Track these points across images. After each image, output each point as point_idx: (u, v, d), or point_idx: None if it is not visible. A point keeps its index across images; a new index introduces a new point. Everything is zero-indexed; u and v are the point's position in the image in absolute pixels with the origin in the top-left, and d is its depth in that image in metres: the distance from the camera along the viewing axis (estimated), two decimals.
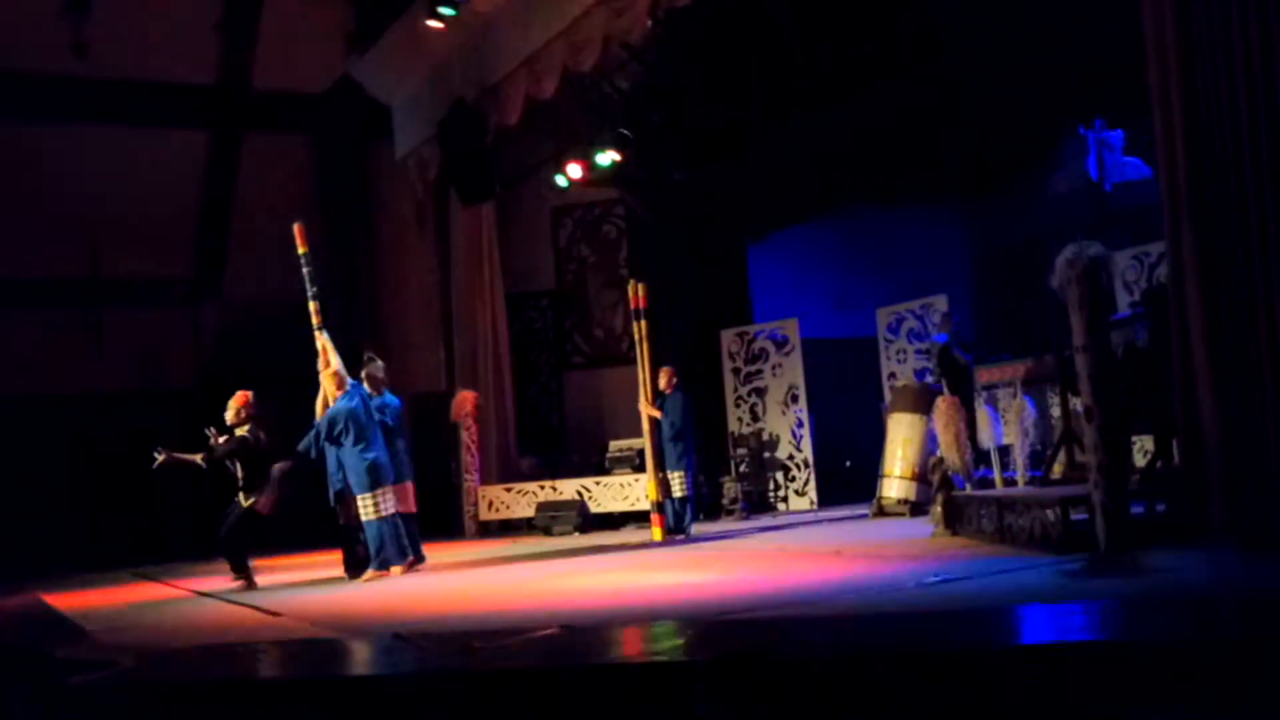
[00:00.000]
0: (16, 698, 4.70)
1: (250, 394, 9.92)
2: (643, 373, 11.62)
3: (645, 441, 11.62)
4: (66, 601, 9.60)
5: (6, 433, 15.88)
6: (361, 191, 17.67)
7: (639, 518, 13.50)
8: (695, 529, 11.80)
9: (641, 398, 11.58)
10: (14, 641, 7.59)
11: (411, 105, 15.97)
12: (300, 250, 10.13)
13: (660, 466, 11.44)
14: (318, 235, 16.95)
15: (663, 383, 11.57)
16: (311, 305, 10.07)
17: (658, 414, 11.45)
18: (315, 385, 10.07)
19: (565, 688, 4.33)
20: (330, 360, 9.93)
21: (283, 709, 4.63)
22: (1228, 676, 3.66)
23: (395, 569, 9.63)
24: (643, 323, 11.71)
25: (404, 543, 9.78)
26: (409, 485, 10.27)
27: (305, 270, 10.10)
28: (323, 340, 9.98)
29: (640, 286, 11.78)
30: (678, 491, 11.47)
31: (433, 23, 13.41)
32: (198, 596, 9.45)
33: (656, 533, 11.38)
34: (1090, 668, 3.86)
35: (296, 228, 10.18)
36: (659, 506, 11.43)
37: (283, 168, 17.35)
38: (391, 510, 9.67)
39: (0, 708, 4.65)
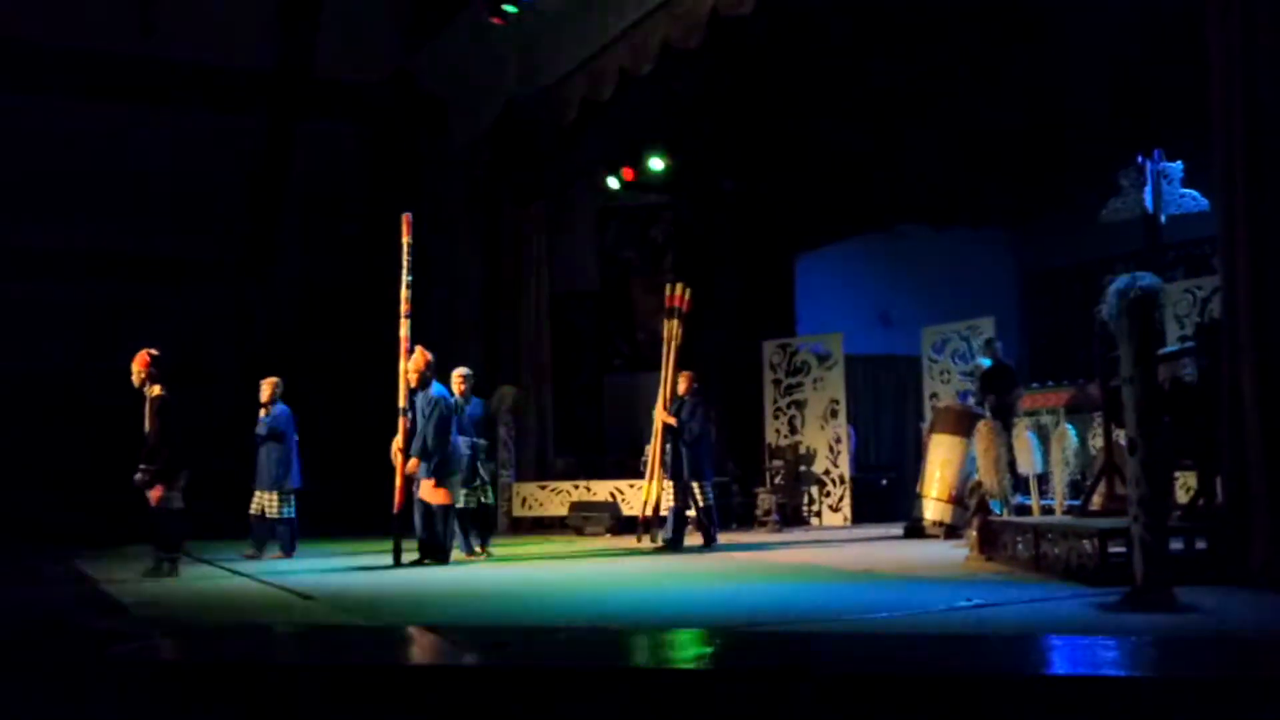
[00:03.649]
0: (51, 666, 4.77)
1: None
2: (666, 371, 11.57)
3: (653, 444, 11.54)
4: (104, 574, 9.71)
5: (47, 404, 16.08)
6: (412, 183, 17.77)
7: None
8: (725, 538, 11.75)
9: (660, 401, 11.48)
10: (50, 611, 7.69)
11: (467, 101, 16.06)
12: (405, 240, 10.23)
13: (668, 475, 11.33)
14: (365, 224, 17.14)
15: (682, 387, 11.41)
16: (404, 293, 10.18)
17: (672, 421, 11.32)
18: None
19: (592, 689, 4.34)
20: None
21: (309, 693, 4.67)
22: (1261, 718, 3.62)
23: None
24: (674, 323, 11.66)
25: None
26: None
27: (406, 260, 10.21)
28: (405, 329, 10.13)
29: (680, 287, 11.74)
30: (699, 501, 11.34)
31: (494, 19, 13.49)
32: (233, 575, 9.54)
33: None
34: (1121, 703, 3.83)
35: (405, 218, 10.31)
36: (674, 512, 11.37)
37: (336, 155, 17.47)
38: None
39: (35, 676, 4.72)
